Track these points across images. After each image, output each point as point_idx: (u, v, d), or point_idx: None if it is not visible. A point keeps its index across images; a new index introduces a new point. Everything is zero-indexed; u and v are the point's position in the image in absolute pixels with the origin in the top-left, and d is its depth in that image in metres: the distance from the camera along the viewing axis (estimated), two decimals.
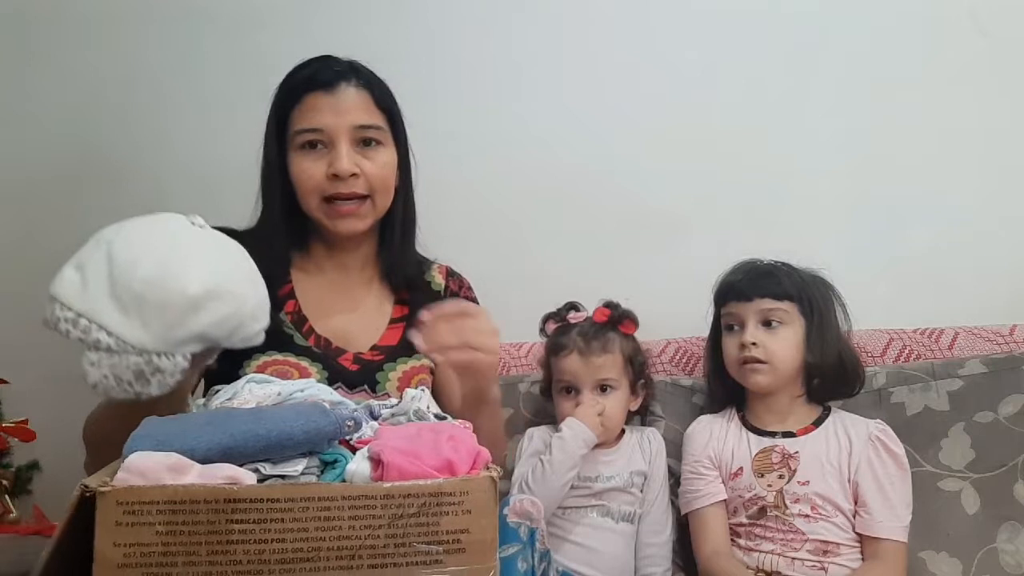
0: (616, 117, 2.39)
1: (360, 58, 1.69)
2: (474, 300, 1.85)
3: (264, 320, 1.27)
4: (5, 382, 2.23)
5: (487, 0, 2.42)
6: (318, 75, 1.62)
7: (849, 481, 1.78)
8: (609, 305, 1.92)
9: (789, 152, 2.37)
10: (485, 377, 1.50)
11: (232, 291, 1.18)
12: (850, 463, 1.79)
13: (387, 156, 1.65)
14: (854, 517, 1.76)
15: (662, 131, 2.37)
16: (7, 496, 2.16)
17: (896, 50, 2.34)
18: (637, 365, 1.91)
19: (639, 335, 1.93)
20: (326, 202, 1.62)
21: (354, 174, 1.59)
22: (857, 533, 1.76)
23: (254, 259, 1.39)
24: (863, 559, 1.75)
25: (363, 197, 1.62)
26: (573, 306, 1.95)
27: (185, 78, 2.45)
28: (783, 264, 1.92)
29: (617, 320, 1.90)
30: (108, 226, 1.24)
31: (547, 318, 1.96)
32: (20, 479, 2.25)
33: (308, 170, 1.60)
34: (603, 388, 1.85)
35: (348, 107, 1.61)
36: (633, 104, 2.39)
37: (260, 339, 1.27)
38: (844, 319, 1.92)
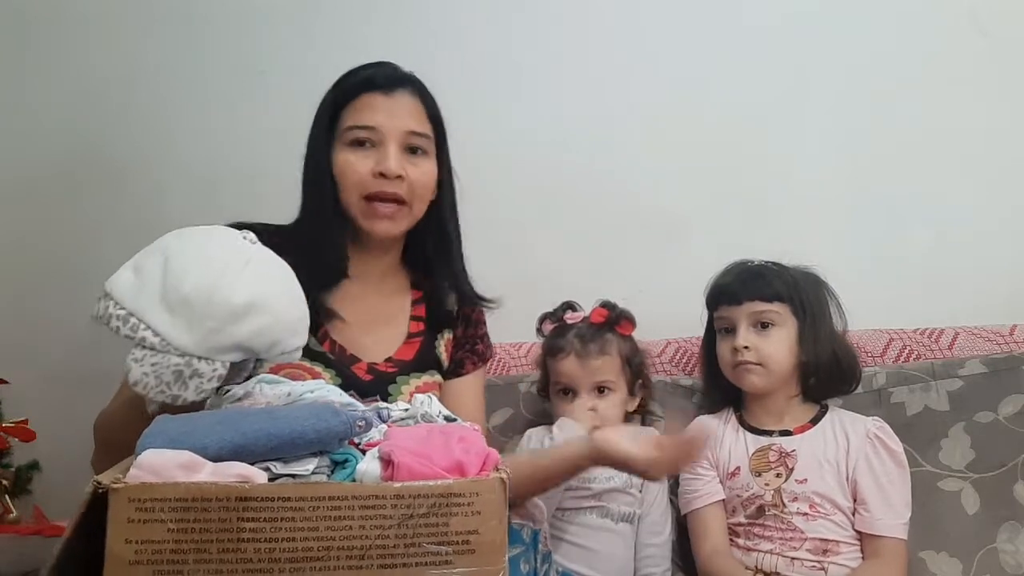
0: (616, 117, 2.40)
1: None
2: (483, 322, 1.86)
3: (304, 337, 1.29)
4: (5, 382, 2.23)
5: (488, 0, 2.43)
6: (377, 77, 1.64)
7: (848, 479, 1.78)
8: (606, 305, 1.91)
9: (789, 152, 2.37)
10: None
11: (275, 305, 1.21)
12: (848, 461, 1.79)
13: (430, 166, 1.66)
14: (853, 515, 1.77)
15: (662, 131, 2.38)
16: (7, 496, 2.17)
17: (896, 50, 2.34)
18: (635, 366, 1.91)
19: (639, 335, 1.93)
20: (366, 201, 1.61)
21: (399, 176, 1.59)
22: (856, 531, 1.76)
23: (303, 258, 1.40)
24: (863, 557, 1.75)
25: (402, 202, 1.62)
26: (570, 306, 1.94)
27: (185, 78, 2.46)
28: (773, 264, 1.91)
29: (614, 321, 1.89)
30: (168, 233, 1.28)
31: (544, 318, 1.95)
32: (20, 479, 2.25)
33: (353, 164, 1.60)
34: (600, 390, 1.85)
35: (403, 111, 1.62)
36: (633, 104, 2.40)
37: (298, 355, 1.30)
38: (839, 316, 1.92)
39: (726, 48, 2.38)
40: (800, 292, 1.86)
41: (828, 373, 1.87)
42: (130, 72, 2.47)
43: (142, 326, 1.16)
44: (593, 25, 2.41)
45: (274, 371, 1.42)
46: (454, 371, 1.78)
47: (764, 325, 1.84)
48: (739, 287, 1.88)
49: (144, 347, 1.15)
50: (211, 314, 1.15)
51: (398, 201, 1.62)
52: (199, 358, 1.14)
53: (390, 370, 1.67)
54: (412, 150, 1.63)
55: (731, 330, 1.88)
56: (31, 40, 2.48)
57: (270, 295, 1.21)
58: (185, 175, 2.45)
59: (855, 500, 1.77)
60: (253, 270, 1.20)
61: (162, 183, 2.46)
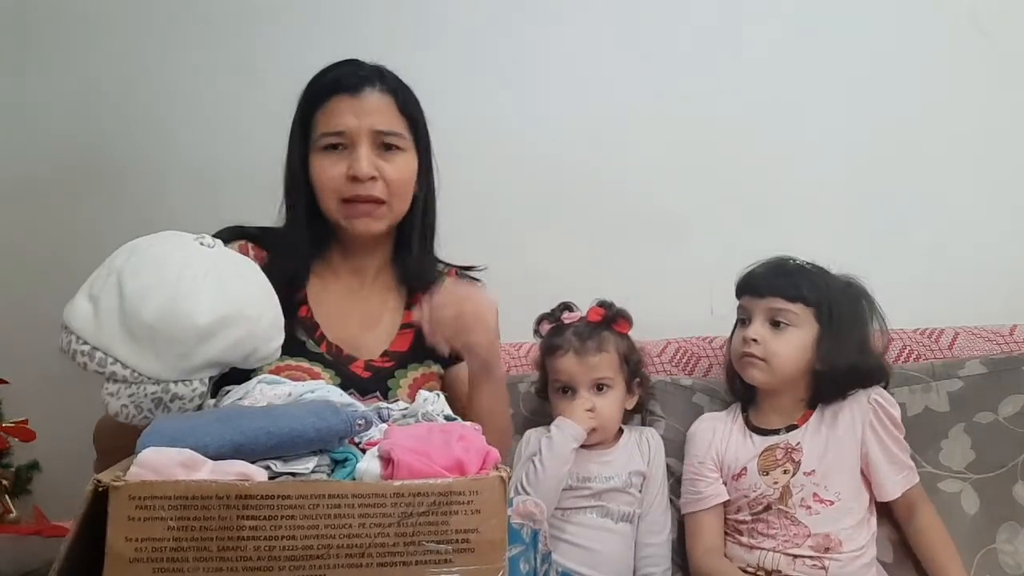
0: (616, 117, 2.40)
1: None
2: None
3: (279, 338, 1.30)
4: (5, 382, 2.23)
5: (487, 1, 2.42)
6: (343, 79, 1.62)
7: (856, 452, 1.80)
8: (603, 304, 1.92)
9: (789, 152, 2.37)
10: (485, 355, 1.56)
11: (244, 315, 1.20)
12: (853, 432, 1.81)
13: (407, 161, 1.64)
14: (867, 486, 1.80)
15: (662, 131, 2.37)
16: (7, 496, 2.17)
17: (896, 50, 2.35)
18: (632, 363, 1.91)
19: (638, 334, 1.93)
20: (344, 203, 1.61)
21: (373, 177, 1.58)
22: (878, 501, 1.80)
23: (279, 262, 1.39)
24: (898, 518, 1.82)
25: (380, 201, 1.61)
26: (567, 306, 1.94)
27: (185, 78, 2.46)
28: (813, 266, 1.89)
29: (611, 319, 1.89)
30: (120, 248, 1.25)
31: (541, 319, 1.95)
32: (20, 479, 2.25)
33: (328, 170, 1.60)
34: (599, 387, 1.85)
35: (370, 110, 1.60)
36: (633, 104, 2.39)
37: (276, 356, 1.30)
38: (879, 332, 1.90)
39: (726, 48, 2.38)
40: (831, 299, 1.84)
41: (840, 387, 1.86)
42: (130, 72, 2.47)
43: (109, 360, 1.15)
44: (593, 25, 2.41)
45: (274, 372, 1.43)
46: (458, 358, 1.77)
47: (780, 324, 1.83)
48: (763, 281, 1.88)
49: (116, 381, 1.15)
50: (178, 338, 1.14)
51: (376, 201, 1.61)
52: (175, 382, 1.14)
53: (387, 364, 1.67)
54: (386, 147, 1.62)
55: (748, 321, 1.88)
56: (31, 40, 2.49)
57: (237, 305, 1.19)
58: (185, 175, 2.45)
59: (868, 469, 1.80)
60: (215, 281, 1.19)
61: (162, 183, 2.46)
